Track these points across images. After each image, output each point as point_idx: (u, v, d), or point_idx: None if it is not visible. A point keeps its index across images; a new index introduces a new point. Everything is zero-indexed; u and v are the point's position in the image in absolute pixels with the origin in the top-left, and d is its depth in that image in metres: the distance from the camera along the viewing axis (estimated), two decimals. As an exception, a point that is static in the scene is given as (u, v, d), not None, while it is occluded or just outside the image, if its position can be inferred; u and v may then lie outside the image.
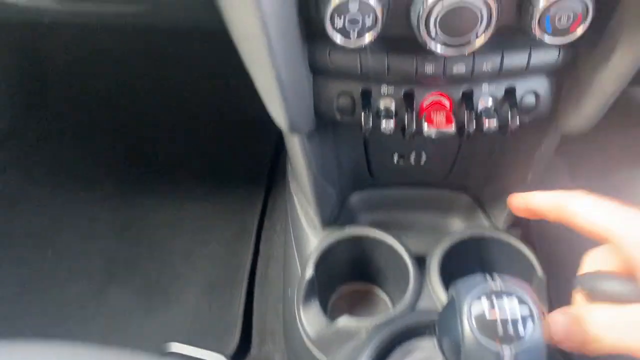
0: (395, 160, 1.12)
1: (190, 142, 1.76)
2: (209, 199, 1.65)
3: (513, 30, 0.71)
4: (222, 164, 1.70)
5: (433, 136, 0.81)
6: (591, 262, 0.52)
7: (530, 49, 0.76)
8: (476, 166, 1.11)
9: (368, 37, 0.69)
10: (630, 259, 0.45)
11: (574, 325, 0.45)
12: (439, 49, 0.70)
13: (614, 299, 0.45)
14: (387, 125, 0.81)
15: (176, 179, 1.69)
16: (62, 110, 1.80)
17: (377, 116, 0.83)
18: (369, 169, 1.13)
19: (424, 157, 1.11)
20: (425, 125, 0.80)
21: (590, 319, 0.45)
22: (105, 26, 1.33)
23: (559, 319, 0.46)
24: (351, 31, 0.69)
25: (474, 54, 0.76)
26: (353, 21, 0.68)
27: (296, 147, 0.93)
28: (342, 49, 0.72)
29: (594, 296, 0.48)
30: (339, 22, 0.68)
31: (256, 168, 1.68)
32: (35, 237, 1.59)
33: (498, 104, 0.82)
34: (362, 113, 0.81)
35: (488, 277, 0.50)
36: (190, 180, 1.68)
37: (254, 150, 1.72)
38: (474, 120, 0.79)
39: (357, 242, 1.10)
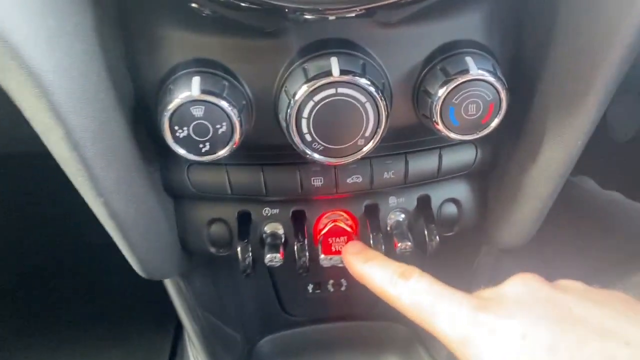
0: (310, 290, 0.92)
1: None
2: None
3: (415, 128, 0.56)
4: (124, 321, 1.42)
5: (333, 264, 0.63)
6: None
7: (440, 149, 0.61)
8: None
9: (223, 151, 0.52)
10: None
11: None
12: (319, 157, 0.53)
13: None
14: (273, 257, 0.62)
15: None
16: None
17: (261, 245, 0.64)
18: (280, 303, 0.93)
19: (344, 283, 0.92)
20: (321, 254, 0.61)
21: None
22: None
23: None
24: (200, 144, 0.51)
25: (370, 160, 0.59)
26: (201, 130, 0.51)
27: (172, 295, 0.72)
28: (202, 163, 0.55)
29: None
30: (181, 132, 0.51)
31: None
32: None
33: (411, 218, 0.65)
34: (239, 245, 0.62)
35: None
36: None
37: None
38: (382, 243, 0.62)
39: None
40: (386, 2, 0.44)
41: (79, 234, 1.49)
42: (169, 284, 0.71)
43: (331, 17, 0.48)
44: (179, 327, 1.36)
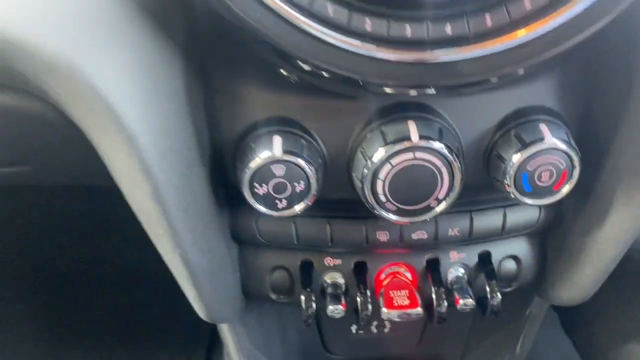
0: (354, 330, 0.93)
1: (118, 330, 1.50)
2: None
3: (483, 187, 0.57)
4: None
5: (395, 319, 0.63)
6: None
7: (505, 208, 0.62)
8: (452, 332, 0.92)
9: (299, 208, 0.53)
10: None
11: None
12: (392, 217, 0.54)
13: None
14: (335, 309, 0.63)
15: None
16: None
17: (322, 295, 0.65)
18: (323, 342, 0.93)
19: (388, 325, 0.92)
20: (383, 308, 0.62)
21: None
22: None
23: None
24: (278, 201, 0.53)
25: (435, 217, 0.60)
26: (279, 188, 0.52)
27: (227, 337, 0.73)
28: (271, 215, 0.56)
29: None
30: (261, 189, 0.52)
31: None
32: None
33: (471, 274, 0.66)
34: (302, 293, 0.63)
35: None
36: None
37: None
38: (444, 299, 0.62)
39: None
40: (466, 81, 0.46)
41: (118, 255, 1.53)
42: (225, 327, 0.72)
43: (412, 93, 0.50)
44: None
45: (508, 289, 0.68)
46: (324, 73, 0.45)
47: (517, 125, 0.53)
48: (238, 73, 0.53)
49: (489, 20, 0.43)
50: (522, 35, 0.43)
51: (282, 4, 0.42)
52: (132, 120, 0.46)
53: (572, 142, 0.52)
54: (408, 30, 0.43)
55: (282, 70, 0.50)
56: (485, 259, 0.65)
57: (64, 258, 1.55)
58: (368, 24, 0.43)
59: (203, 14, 0.50)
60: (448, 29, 0.43)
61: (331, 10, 0.43)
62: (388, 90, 0.48)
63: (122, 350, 1.43)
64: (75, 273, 1.53)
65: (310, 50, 0.43)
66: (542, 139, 0.51)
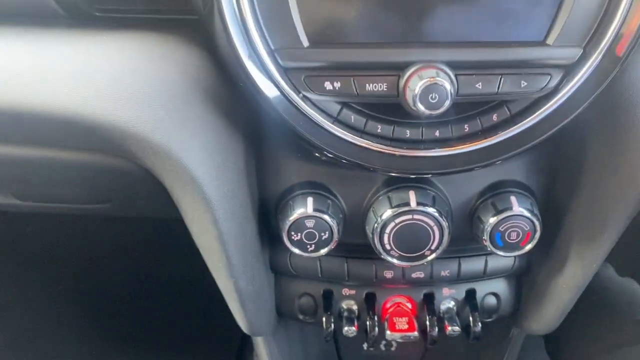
0: (365, 347, 1.09)
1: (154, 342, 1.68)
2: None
3: (468, 239, 0.74)
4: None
5: (397, 340, 0.80)
6: None
7: (486, 256, 0.78)
8: (450, 354, 1.08)
9: (324, 251, 0.70)
10: None
11: None
12: (395, 261, 0.71)
13: None
14: (349, 330, 0.80)
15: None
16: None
17: (340, 318, 0.82)
18: (339, 356, 1.10)
19: (394, 344, 1.08)
20: (387, 330, 0.79)
21: None
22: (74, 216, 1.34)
23: None
24: (308, 245, 0.70)
25: (432, 261, 0.77)
26: (310, 236, 0.69)
27: (261, 347, 0.91)
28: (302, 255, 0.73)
29: None
30: (296, 236, 0.69)
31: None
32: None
33: (459, 306, 0.82)
34: (323, 316, 0.80)
35: None
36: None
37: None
38: (436, 325, 0.79)
39: None
40: (456, 170, 0.63)
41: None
42: (260, 341, 0.89)
43: (412, 176, 0.67)
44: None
45: (489, 319, 0.83)
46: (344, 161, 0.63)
47: (492, 196, 0.70)
48: (282, 149, 0.71)
49: (466, 128, 0.60)
50: (492, 139, 0.60)
51: (314, 112, 0.59)
52: (208, 187, 0.63)
53: (535, 211, 0.69)
54: (408, 133, 0.61)
55: (316, 154, 0.68)
56: (471, 294, 0.81)
57: (109, 275, 1.74)
58: (379, 128, 0.60)
59: (259, 109, 0.68)
60: (437, 133, 0.61)
61: (353, 118, 0.60)
62: (394, 174, 0.65)
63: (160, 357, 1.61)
64: (118, 287, 1.72)
65: (336, 146, 0.61)
66: (510, 208, 0.68)
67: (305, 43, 0.58)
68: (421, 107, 0.56)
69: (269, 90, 0.59)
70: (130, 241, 1.67)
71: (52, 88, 0.59)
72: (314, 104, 0.60)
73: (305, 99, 0.59)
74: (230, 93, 0.64)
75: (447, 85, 0.55)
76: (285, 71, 0.58)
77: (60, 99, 0.59)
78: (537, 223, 0.68)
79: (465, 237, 0.73)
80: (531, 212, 0.68)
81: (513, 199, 0.69)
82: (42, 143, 0.69)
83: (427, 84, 0.55)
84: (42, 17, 0.65)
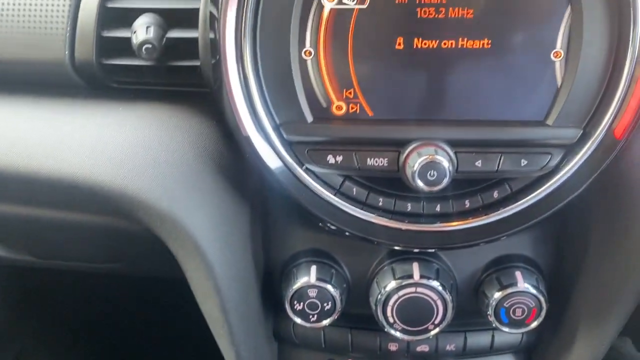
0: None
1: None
2: None
3: (475, 313, 0.72)
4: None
5: None
6: None
7: (494, 331, 0.76)
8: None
9: (327, 321, 0.70)
10: None
11: None
12: (398, 334, 0.70)
13: None
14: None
15: None
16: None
17: (343, 389, 0.80)
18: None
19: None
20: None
21: None
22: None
23: None
24: (310, 315, 0.70)
25: (437, 335, 0.75)
26: (312, 306, 0.69)
27: None
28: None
29: None
30: (298, 306, 0.69)
31: None
32: None
33: None
34: None
35: None
36: None
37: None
38: None
39: None
40: (458, 246, 0.63)
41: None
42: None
43: (415, 250, 0.67)
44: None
45: None
46: (347, 233, 0.63)
47: (497, 270, 0.69)
48: (287, 218, 0.72)
49: (467, 204, 0.61)
50: (493, 216, 0.61)
51: (316, 185, 0.61)
52: (212, 255, 0.64)
53: (541, 287, 0.68)
54: (409, 207, 0.61)
55: (320, 224, 0.68)
56: (478, 371, 0.79)
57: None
58: (380, 201, 0.61)
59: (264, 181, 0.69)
60: (438, 208, 0.61)
61: (355, 191, 0.61)
62: (397, 247, 0.66)
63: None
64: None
65: (338, 218, 0.62)
66: (515, 284, 0.67)
67: (309, 119, 0.60)
68: (420, 184, 0.57)
69: (273, 162, 0.61)
70: (141, 299, 1.68)
71: (65, 156, 0.62)
72: (316, 177, 0.61)
73: (308, 171, 0.61)
74: (238, 162, 0.66)
75: (446, 163, 0.56)
76: (289, 145, 0.60)
77: (72, 166, 0.62)
78: (542, 300, 0.67)
79: (471, 311, 0.72)
80: (537, 288, 0.67)
81: (518, 274, 0.68)
82: (56, 206, 0.72)
83: (426, 161, 0.56)
84: (63, 87, 0.69)
